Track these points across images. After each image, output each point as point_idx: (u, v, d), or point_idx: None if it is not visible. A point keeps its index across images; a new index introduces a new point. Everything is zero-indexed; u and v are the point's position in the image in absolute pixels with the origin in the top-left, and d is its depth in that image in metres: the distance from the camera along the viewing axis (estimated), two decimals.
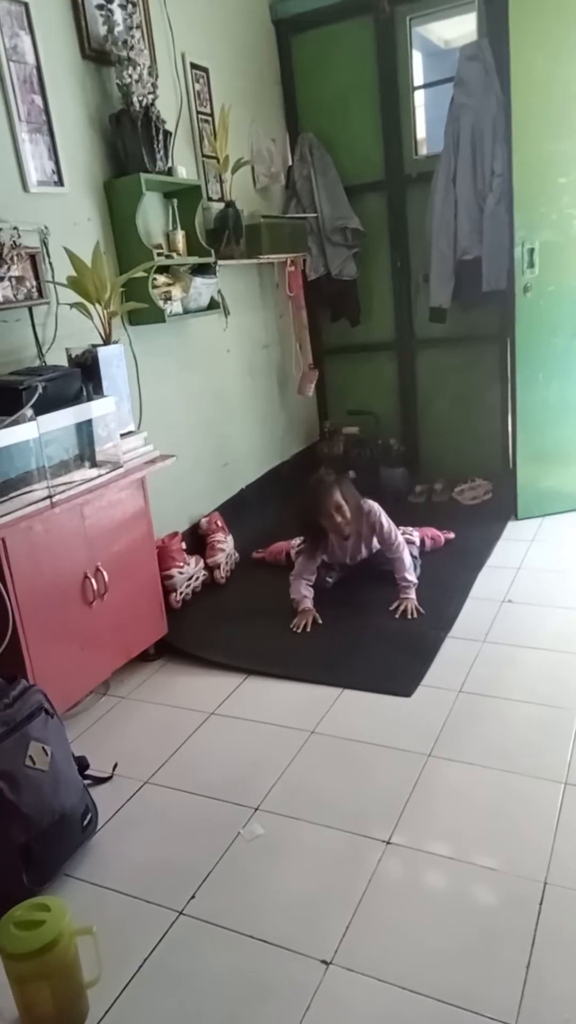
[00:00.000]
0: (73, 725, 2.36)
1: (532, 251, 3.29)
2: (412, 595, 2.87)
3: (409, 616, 2.81)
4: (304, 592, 2.93)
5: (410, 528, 3.28)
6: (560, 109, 3.17)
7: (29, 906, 1.41)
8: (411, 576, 2.92)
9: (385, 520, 2.95)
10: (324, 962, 1.47)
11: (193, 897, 1.67)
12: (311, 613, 2.86)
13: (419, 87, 3.93)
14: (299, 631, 2.80)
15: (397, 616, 2.82)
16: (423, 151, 3.98)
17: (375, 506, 2.97)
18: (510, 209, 3.28)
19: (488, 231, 3.57)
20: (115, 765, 2.14)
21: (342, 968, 1.46)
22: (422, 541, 3.29)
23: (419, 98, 3.94)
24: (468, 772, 1.97)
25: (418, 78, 3.92)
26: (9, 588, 2.05)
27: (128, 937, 1.58)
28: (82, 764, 1.99)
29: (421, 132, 3.99)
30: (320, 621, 2.84)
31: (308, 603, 2.90)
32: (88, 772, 2.04)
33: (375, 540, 3.01)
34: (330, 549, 3.03)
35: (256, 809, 1.92)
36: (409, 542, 3.11)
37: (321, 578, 3.06)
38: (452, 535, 3.41)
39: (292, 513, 3.08)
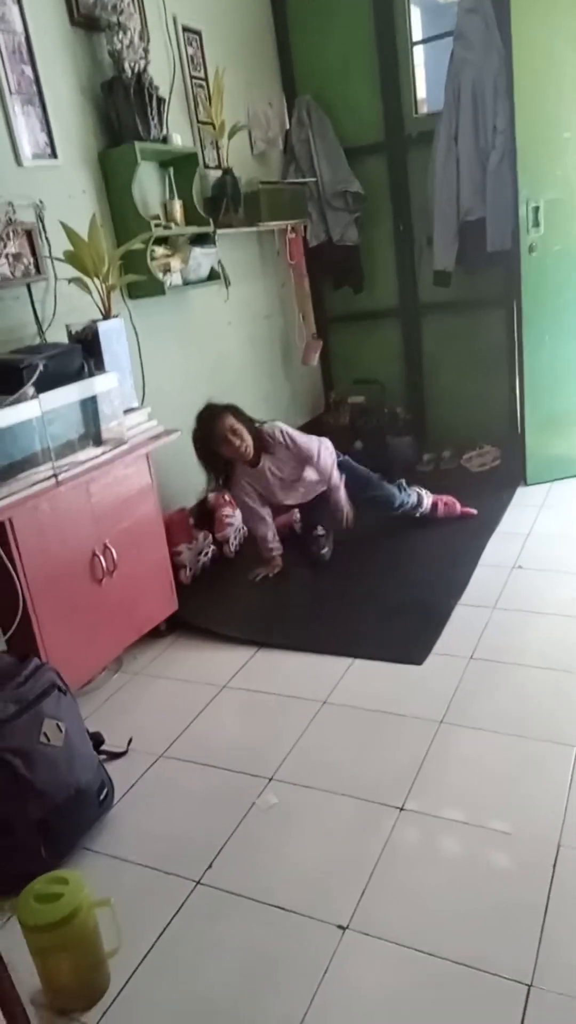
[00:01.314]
0: (87, 702, 2.38)
1: (537, 209, 3.22)
2: (343, 498, 3.04)
3: (346, 523, 3.05)
4: (271, 541, 3.03)
5: (420, 488, 3.28)
6: (563, 61, 3.08)
7: (48, 879, 1.43)
8: (335, 479, 3.03)
9: (295, 435, 2.96)
10: (340, 927, 1.49)
11: (210, 867, 1.69)
12: (277, 566, 3.02)
13: (418, 43, 3.82)
14: (257, 580, 2.98)
15: (339, 521, 3.04)
16: (423, 109, 3.89)
17: (277, 425, 2.97)
18: (513, 167, 3.20)
19: (491, 190, 3.49)
20: (130, 740, 2.16)
21: (358, 933, 1.48)
22: (434, 505, 3.28)
23: (418, 55, 3.84)
24: (480, 738, 1.98)
25: (417, 34, 3.82)
26: (18, 567, 2.05)
27: (146, 908, 1.61)
28: (97, 740, 2.01)
29: (421, 90, 3.90)
30: (276, 569, 3.01)
31: (278, 554, 3.03)
32: (103, 747, 2.06)
33: (308, 469, 2.99)
34: (260, 486, 3.00)
35: (270, 779, 1.94)
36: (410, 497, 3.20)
37: (316, 552, 3.08)
38: (474, 512, 3.30)
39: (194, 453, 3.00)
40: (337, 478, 3.04)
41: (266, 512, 3.04)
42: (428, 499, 3.25)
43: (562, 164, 3.19)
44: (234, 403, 2.98)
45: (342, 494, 3.04)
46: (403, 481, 3.25)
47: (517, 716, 2.03)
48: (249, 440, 2.88)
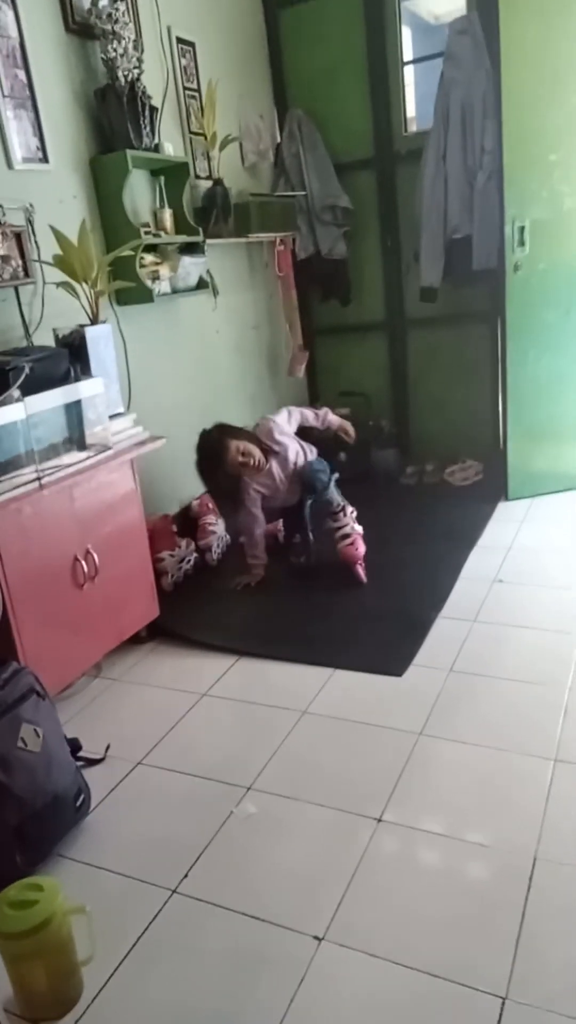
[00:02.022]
0: (65, 707, 2.36)
1: (523, 229, 3.27)
2: (335, 418, 3.13)
3: (349, 436, 3.12)
4: (260, 554, 3.04)
5: (350, 516, 3.04)
6: (551, 83, 3.13)
7: (23, 886, 1.42)
8: (324, 414, 3.12)
9: (277, 422, 3.00)
10: (317, 938, 1.49)
11: (186, 876, 1.68)
12: (258, 576, 3.02)
13: (408, 62, 3.87)
14: (239, 588, 2.99)
15: (352, 438, 3.14)
16: (413, 128, 3.94)
17: (265, 422, 3.02)
18: (500, 186, 3.25)
19: (478, 209, 3.54)
20: (108, 747, 2.14)
21: (334, 944, 1.47)
22: (346, 537, 2.99)
23: (409, 74, 3.89)
24: (459, 750, 1.99)
25: (407, 54, 3.87)
26: None
27: (122, 916, 1.59)
28: (75, 746, 2.00)
29: (411, 109, 3.94)
30: (257, 579, 3.01)
31: (262, 570, 3.03)
32: (81, 754, 2.05)
33: (291, 461, 2.98)
34: (262, 491, 2.99)
35: (249, 788, 1.93)
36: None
37: (295, 561, 3.13)
38: (363, 579, 2.96)
39: (204, 485, 3.08)
40: (319, 411, 3.15)
41: (263, 521, 3.06)
42: (351, 519, 3.00)
43: (548, 185, 3.24)
44: (220, 422, 3.01)
45: (332, 416, 3.13)
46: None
47: (496, 728, 2.04)
48: (258, 453, 2.89)
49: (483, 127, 3.46)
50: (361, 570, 2.96)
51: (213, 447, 2.89)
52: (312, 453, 3.06)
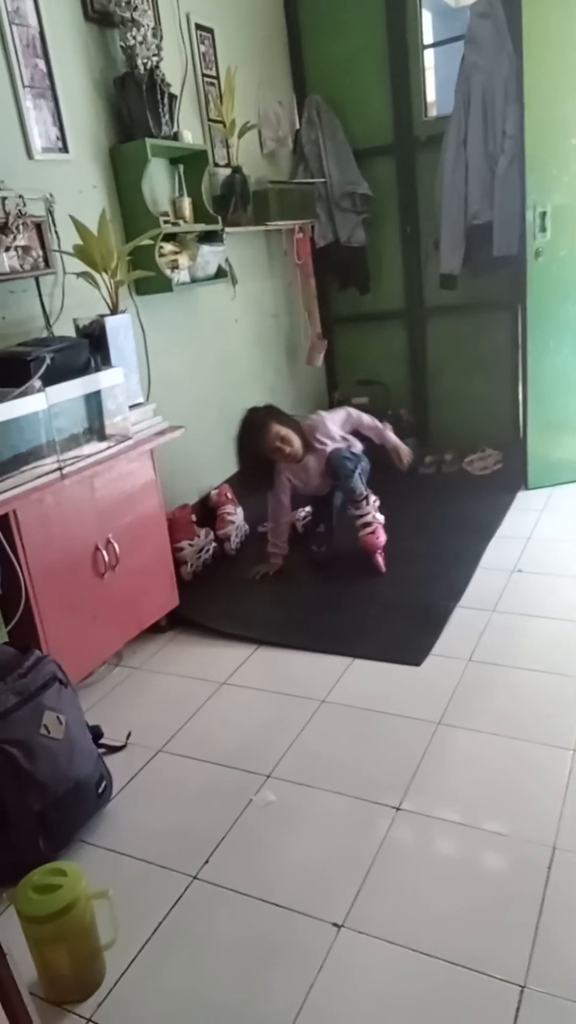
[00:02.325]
0: (87, 695, 2.38)
1: (544, 215, 3.23)
2: (394, 438, 3.08)
3: (404, 460, 3.07)
4: (282, 545, 3.06)
5: (374, 506, 3.06)
6: (573, 67, 3.08)
7: (46, 871, 1.44)
8: (382, 425, 3.09)
9: (325, 420, 2.99)
10: (336, 925, 1.50)
11: (206, 862, 1.70)
12: (277, 565, 3.05)
13: (429, 46, 3.83)
14: (257, 578, 3.02)
15: (406, 464, 3.10)
16: (433, 113, 3.90)
17: (315, 418, 2.99)
18: (522, 172, 3.21)
19: (499, 195, 3.50)
20: (129, 734, 2.17)
21: (353, 931, 1.48)
22: (367, 525, 3.01)
23: (429, 58, 3.84)
24: (478, 740, 1.99)
25: (428, 37, 3.82)
26: (21, 559, 2.06)
27: (143, 901, 1.61)
28: (96, 733, 2.02)
29: (431, 94, 3.90)
30: (276, 568, 3.04)
31: (280, 561, 3.05)
32: (102, 741, 2.07)
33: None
34: (293, 482, 3.03)
35: (268, 776, 1.94)
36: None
37: (314, 550, 3.12)
38: (382, 569, 2.97)
39: (238, 461, 3.10)
40: (379, 424, 3.10)
41: (289, 510, 3.09)
42: (373, 508, 3.01)
43: (570, 170, 3.20)
44: (272, 404, 3.01)
45: (390, 434, 3.09)
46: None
47: (515, 718, 2.04)
48: (297, 443, 2.90)
49: (504, 112, 3.41)
50: (380, 559, 2.96)
51: (255, 424, 2.90)
52: (357, 413, 3.11)
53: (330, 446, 2.96)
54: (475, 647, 2.41)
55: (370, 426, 3.09)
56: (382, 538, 2.99)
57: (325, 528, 3.17)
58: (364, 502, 2.97)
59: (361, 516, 2.98)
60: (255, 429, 2.89)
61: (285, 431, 2.88)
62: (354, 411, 3.11)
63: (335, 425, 3.02)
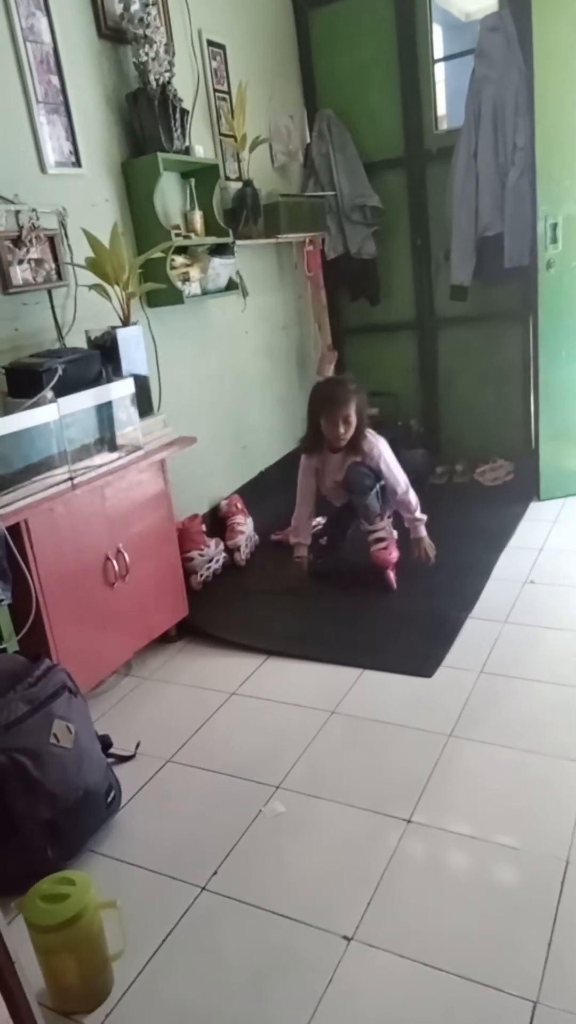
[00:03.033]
0: (96, 704, 2.38)
1: (555, 226, 3.23)
2: (424, 533, 2.93)
3: (426, 557, 2.93)
4: (303, 536, 3.02)
5: (388, 523, 3.06)
6: None
7: (55, 880, 1.44)
8: (420, 514, 2.93)
9: (387, 460, 2.90)
10: (345, 938, 1.49)
11: (215, 873, 1.69)
12: (302, 566, 3.01)
13: (439, 60, 3.85)
14: (295, 581, 2.98)
15: (416, 555, 2.94)
16: (443, 126, 3.92)
17: (380, 443, 2.90)
18: (533, 183, 3.22)
19: (510, 206, 3.51)
20: (138, 744, 2.16)
21: (363, 944, 1.47)
22: (382, 541, 3.00)
23: (439, 72, 3.87)
24: (489, 752, 1.97)
25: (438, 51, 3.85)
26: (32, 568, 2.07)
27: (151, 912, 1.60)
28: (106, 742, 2.02)
29: (441, 107, 3.92)
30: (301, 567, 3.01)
31: (304, 551, 3.03)
32: (111, 750, 2.07)
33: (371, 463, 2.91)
34: (320, 472, 3.00)
35: (277, 788, 1.93)
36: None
37: (312, 560, 3.09)
38: (393, 585, 2.92)
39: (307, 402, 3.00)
40: (420, 513, 2.95)
41: (313, 498, 3.04)
42: (387, 523, 3.01)
43: None
44: (361, 391, 2.90)
45: (423, 530, 2.96)
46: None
47: (527, 731, 2.02)
48: (350, 435, 2.84)
49: (515, 124, 3.42)
50: (392, 576, 2.91)
51: (335, 392, 2.85)
52: (412, 492, 2.98)
53: (368, 469, 2.89)
54: (487, 659, 2.39)
55: (408, 503, 2.93)
56: (394, 554, 2.94)
57: (328, 541, 3.16)
58: (378, 518, 2.95)
59: (374, 531, 2.95)
60: (334, 396, 2.83)
61: (353, 418, 2.82)
62: (411, 489, 2.96)
63: (393, 467, 2.92)
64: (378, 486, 2.92)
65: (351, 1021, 1.34)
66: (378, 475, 2.90)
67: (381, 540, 2.95)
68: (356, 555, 3.09)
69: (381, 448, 2.90)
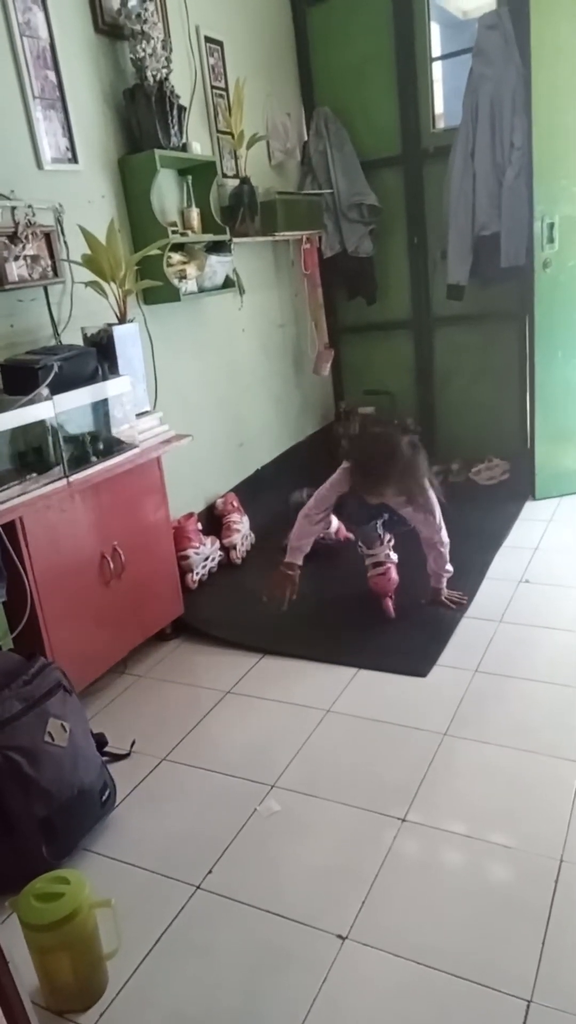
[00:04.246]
0: (91, 703, 2.38)
1: (552, 226, 3.23)
2: (443, 585, 2.71)
3: (455, 604, 2.67)
4: (304, 545, 2.63)
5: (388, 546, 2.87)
6: None
7: (49, 879, 1.43)
8: (447, 566, 2.69)
9: (436, 515, 2.62)
10: (340, 936, 1.49)
11: (210, 872, 1.69)
12: (292, 583, 2.63)
13: (437, 58, 3.85)
14: (269, 601, 2.63)
15: (431, 603, 2.70)
16: (441, 125, 3.92)
17: (432, 499, 2.57)
18: (529, 183, 3.22)
19: (507, 206, 3.51)
20: (133, 742, 2.16)
21: (358, 943, 1.47)
22: (381, 566, 2.80)
23: (437, 71, 3.86)
24: (484, 751, 1.97)
25: (436, 49, 3.84)
26: (27, 566, 2.06)
27: (146, 910, 1.60)
28: (100, 741, 2.01)
29: (439, 105, 3.92)
30: (293, 597, 2.63)
31: (300, 559, 2.64)
32: (106, 749, 2.07)
33: (406, 511, 2.62)
34: (349, 504, 2.66)
35: (272, 786, 1.93)
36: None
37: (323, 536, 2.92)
38: (392, 614, 2.73)
39: (348, 453, 2.66)
40: (447, 554, 2.68)
41: (320, 528, 2.71)
42: (388, 547, 2.82)
43: None
44: (417, 451, 2.46)
45: (444, 582, 2.70)
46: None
47: (522, 730, 2.03)
48: (388, 501, 2.56)
49: (512, 123, 3.42)
50: (391, 604, 2.71)
51: (368, 475, 2.47)
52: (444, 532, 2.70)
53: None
54: (482, 658, 2.40)
55: (441, 544, 2.66)
56: (394, 580, 2.73)
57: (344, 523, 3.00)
58: (378, 541, 2.77)
59: (372, 555, 2.76)
60: (374, 473, 2.45)
61: (391, 496, 2.51)
62: (441, 528, 2.66)
63: (437, 515, 2.63)
64: (385, 514, 2.69)
65: (345, 1020, 1.34)
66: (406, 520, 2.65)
67: (380, 564, 2.75)
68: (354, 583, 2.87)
69: (431, 505, 2.58)
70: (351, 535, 3.03)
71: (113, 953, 1.46)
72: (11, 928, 1.49)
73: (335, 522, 2.98)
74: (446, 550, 2.68)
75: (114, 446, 2.36)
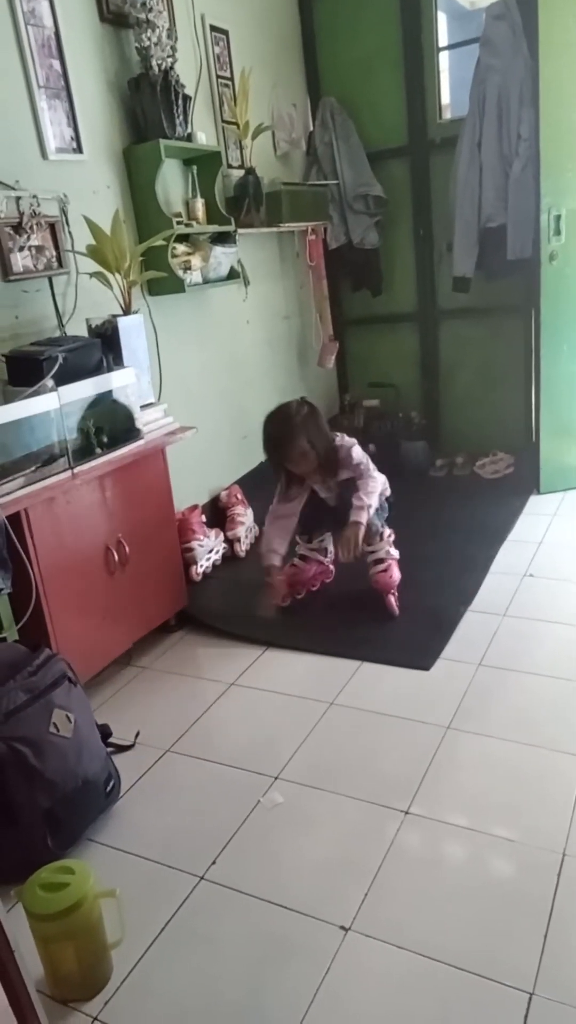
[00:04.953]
0: (96, 694, 2.39)
1: (559, 218, 3.22)
2: (363, 519, 2.53)
3: (350, 551, 2.52)
4: (276, 546, 2.64)
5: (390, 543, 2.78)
6: None
7: (54, 868, 1.44)
8: (368, 498, 2.56)
9: (356, 455, 2.61)
10: (343, 928, 1.49)
11: (214, 863, 1.70)
12: (279, 587, 2.67)
13: (444, 48, 3.82)
14: (265, 612, 2.67)
15: (338, 553, 2.62)
16: (447, 115, 3.89)
17: (346, 445, 2.62)
18: (536, 175, 3.20)
19: (513, 197, 3.48)
20: (137, 733, 2.17)
21: (361, 934, 1.48)
22: (382, 564, 2.74)
23: (444, 61, 3.84)
24: (487, 744, 1.98)
25: (443, 40, 3.82)
26: (32, 558, 2.06)
27: (150, 901, 1.61)
28: (105, 732, 2.02)
29: (446, 96, 3.89)
30: (297, 596, 2.71)
31: (277, 560, 2.65)
32: (111, 740, 2.07)
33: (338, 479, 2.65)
34: (307, 503, 2.71)
35: (276, 778, 1.94)
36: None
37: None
38: (395, 612, 2.68)
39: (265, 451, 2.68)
40: (372, 499, 2.59)
41: (290, 524, 2.72)
42: (388, 543, 2.74)
43: None
44: (312, 408, 2.63)
45: (364, 516, 2.54)
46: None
47: (525, 724, 2.03)
48: (315, 463, 2.60)
49: (519, 114, 3.40)
50: (394, 601, 2.68)
51: (281, 434, 2.58)
52: (380, 488, 2.68)
53: (343, 475, 2.65)
54: (485, 652, 2.40)
55: (369, 489, 2.59)
56: (396, 576, 2.70)
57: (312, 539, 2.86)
58: (378, 536, 2.70)
59: (373, 551, 2.70)
60: (280, 437, 2.58)
61: (308, 450, 2.56)
62: (380, 484, 2.66)
63: (357, 456, 2.64)
64: (377, 503, 2.66)
65: (348, 1011, 1.34)
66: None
67: (381, 561, 2.70)
68: (354, 579, 2.82)
69: (347, 448, 2.62)
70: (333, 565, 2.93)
71: (117, 943, 1.47)
72: (16, 918, 1.49)
73: (329, 544, 2.89)
74: (368, 478, 2.60)
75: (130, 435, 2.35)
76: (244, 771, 1.98)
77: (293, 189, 3.60)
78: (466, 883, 1.57)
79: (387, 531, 2.77)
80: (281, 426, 2.60)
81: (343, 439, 2.67)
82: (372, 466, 2.68)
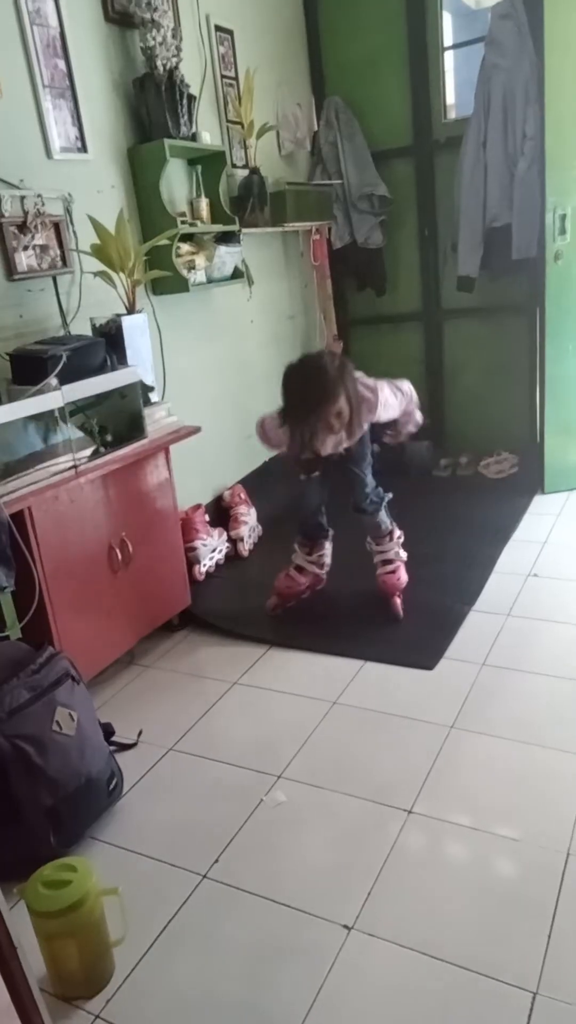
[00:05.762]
0: (99, 692, 2.39)
1: (564, 217, 3.21)
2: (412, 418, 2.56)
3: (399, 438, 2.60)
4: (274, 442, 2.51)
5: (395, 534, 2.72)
6: None
7: (57, 866, 1.44)
8: (417, 415, 2.57)
9: (391, 401, 2.46)
10: (346, 927, 1.49)
11: (216, 861, 1.69)
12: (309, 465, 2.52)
13: (449, 48, 3.82)
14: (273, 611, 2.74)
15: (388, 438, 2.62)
16: (452, 115, 3.88)
17: (379, 390, 2.40)
18: (542, 174, 3.19)
19: (518, 197, 3.48)
20: (140, 732, 2.17)
21: (363, 933, 1.47)
22: (389, 564, 2.70)
23: (449, 60, 3.83)
24: (491, 744, 1.97)
25: (448, 39, 3.81)
26: (35, 556, 2.06)
27: (152, 899, 1.61)
28: (108, 730, 2.02)
29: (451, 95, 3.88)
30: (288, 606, 2.73)
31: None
32: (114, 738, 2.07)
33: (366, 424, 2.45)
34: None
35: (279, 777, 1.94)
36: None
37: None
38: (400, 614, 2.65)
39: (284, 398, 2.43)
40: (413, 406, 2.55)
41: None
42: (397, 544, 2.70)
43: None
44: (344, 358, 2.38)
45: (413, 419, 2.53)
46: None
47: (528, 723, 2.02)
48: (344, 425, 2.32)
49: (525, 113, 3.39)
50: (399, 603, 2.65)
51: (325, 386, 2.25)
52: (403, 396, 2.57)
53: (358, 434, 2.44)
54: (489, 651, 2.39)
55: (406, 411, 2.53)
56: (403, 579, 2.66)
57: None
58: (387, 537, 2.65)
59: (382, 552, 2.66)
60: (321, 393, 2.25)
61: (345, 408, 2.28)
62: (403, 394, 2.52)
63: (390, 412, 2.49)
64: (388, 497, 2.62)
65: (350, 1010, 1.34)
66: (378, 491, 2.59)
67: (390, 562, 2.66)
68: (359, 581, 2.80)
69: (376, 396, 2.38)
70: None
71: (120, 941, 1.47)
72: (19, 915, 1.49)
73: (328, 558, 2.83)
74: (412, 399, 2.57)
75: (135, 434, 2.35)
76: (247, 770, 1.98)
77: (297, 189, 3.60)
78: (469, 882, 1.57)
79: (397, 532, 2.73)
80: (316, 382, 2.24)
81: (365, 383, 2.38)
82: (400, 390, 2.51)
